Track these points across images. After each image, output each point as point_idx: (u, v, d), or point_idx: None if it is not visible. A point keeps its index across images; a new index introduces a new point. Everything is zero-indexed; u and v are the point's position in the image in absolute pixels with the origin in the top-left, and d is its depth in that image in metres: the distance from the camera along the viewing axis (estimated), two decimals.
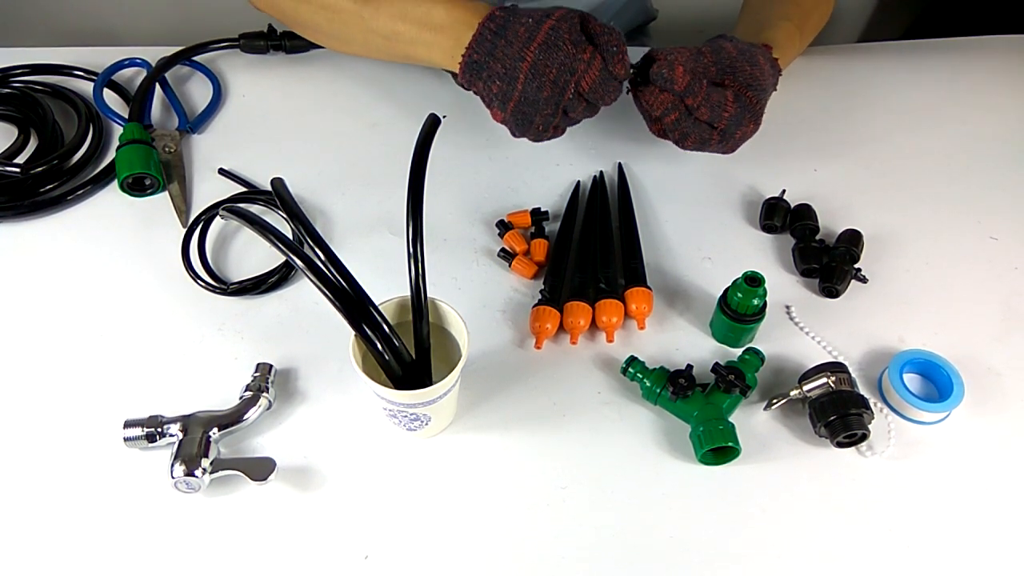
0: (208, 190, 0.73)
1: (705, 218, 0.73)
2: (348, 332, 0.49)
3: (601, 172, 0.75)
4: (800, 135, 0.80)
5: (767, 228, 0.71)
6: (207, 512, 0.53)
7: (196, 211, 0.71)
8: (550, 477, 0.55)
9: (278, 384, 0.59)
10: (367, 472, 0.55)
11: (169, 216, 0.70)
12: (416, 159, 0.51)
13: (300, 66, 0.85)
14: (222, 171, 0.74)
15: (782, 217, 0.71)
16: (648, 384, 0.58)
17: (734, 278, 0.60)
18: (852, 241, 0.68)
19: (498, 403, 0.59)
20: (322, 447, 0.56)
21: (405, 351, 0.50)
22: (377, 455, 0.56)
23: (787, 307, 0.66)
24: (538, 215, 0.70)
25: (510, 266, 0.67)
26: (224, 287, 0.65)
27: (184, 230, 0.69)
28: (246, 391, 0.57)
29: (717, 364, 0.58)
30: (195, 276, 0.65)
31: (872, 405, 0.57)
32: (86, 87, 0.80)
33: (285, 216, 0.50)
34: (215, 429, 0.54)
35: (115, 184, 0.72)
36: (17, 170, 0.70)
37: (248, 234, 0.69)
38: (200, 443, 0.53)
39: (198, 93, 0.82)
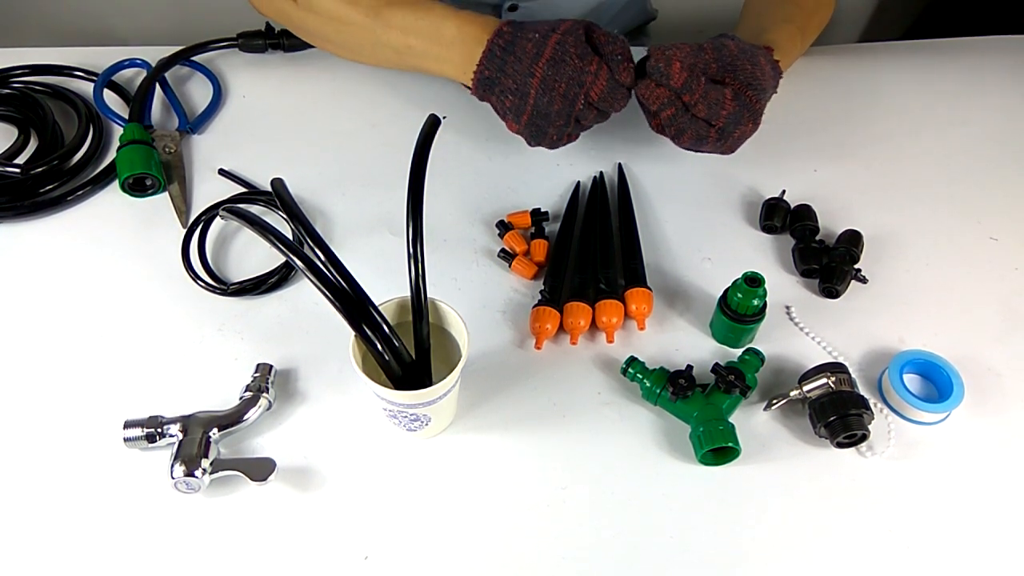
0: (208, 190, 0.73)
1: (705, 218, 0.73)
2: (348, 332, 0.49)
3: (601, 172, 0.75)
4: (800, 135, 0.80)
5: (767, 228, 0.71)
6: (207, 512, 0.53)
7: (196, 211, 0.71)
8: (550, 477, 0.55)
9: (278, 384, 0.59)
10: (367, 472, 0.55)
11: (169, 216, 0.70)
12: (416, 159, 0.51)
13: (300, 66, 0.85)
14: (222, 171, 0.74)
15: (782, 217, 0.71)
16: (648, 384, 0.58)
17: (734, 278, 0.60)
18: (852, 241, 0.68)
19: (498, 403, 0.59)
20: (322, 447, 0.56)
21: (405, 351, 0.50)
22: (377, 455, 0.56)
23: (787, 307, 0.66)
24: (538, 215, 0.70)
25: (510, 266, 0.67)
26: (224, 287, 0.65)
27: (184, 230, 0.69)
28: (246, 391, 0.57)
29: (717, 364, 0.58)
30: (195, 276, 0.65)
31: (872, 405, 0.57)
32: (86, 87, 0.80)
33: (285, 216, 0.51)
34: (215, 429, 0.55)
35: (115, 184, 0.72)
36: (17, 170, 0.70)
37: (248, 234, 0.69)
38: (200, 443, 0.53)
39: (198, 93, 0.82)
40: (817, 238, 0.70)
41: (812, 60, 0.89)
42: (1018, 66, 0.90)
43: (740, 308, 0.59)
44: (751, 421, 0.59)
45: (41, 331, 0.62)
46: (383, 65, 0.73)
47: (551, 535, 0.53)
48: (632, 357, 0.59)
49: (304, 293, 0.65)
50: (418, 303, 0.51)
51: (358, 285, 0.48)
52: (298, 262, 0.46)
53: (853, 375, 0.59)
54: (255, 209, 0.71)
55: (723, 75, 0.64)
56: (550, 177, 0.75)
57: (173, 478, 0.52)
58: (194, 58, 0.84)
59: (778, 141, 0.79)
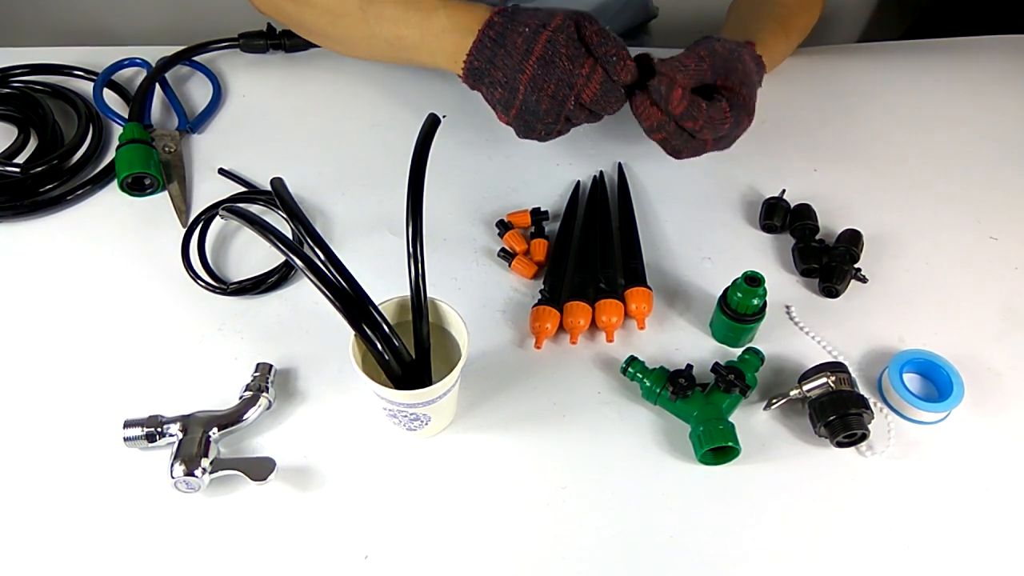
0: (208, 190, 0.73)
1: (705, 218, 0.73)
2: (348, 332, 0.49)
3: (601, 172, 0.75)
4: (800, 135, 0.80)
5: (767, 228, 0.71)
6: (207, 512, 0.53)
7: (196, 211, 0.71)
8: (550, 477, 0.55)
9: (278, 384, 0.59)
10: (367, 472, 0.55)
11: (169, 216, 0.70)
12: (416, 159, 0.51)
13: (300, 66, 0.85)
14: (222, 171, 0.74)
15: (782, 217, 0.71)
16: (648, 384, 0.58)
17: (734, 278, 0.60)
18: (852, 241, 0.68)
19: (498, 403, 0.59)
20: (322, 447, 0.56)
21: (405, 351, 0.50)
22: (377, 455, 0.56)
23: (787, 307, 0.66)
24: (538, 215, 0.70)
25: (510, 266, 0.67)
26: (224, 287, 0.65)
27: (184, 230, 0.69)
28: (246, 391, 0.57)
29: (717, 364, 0.58)
30: (195, 276, 0.65)
31: (872, 405, 0.57)
32: (86, 87, 0.80)
33: (285, 216, 0.50)
34: (215, 429, 0.54)
35: (115, 184, 0.72)
36: (17, 170, 0.70)
37: (248, 234, 0.69)
38: (200, 443, 0.53)
39: (198, 93, 0.82)
40: (817, 237, 0.70)
41: (812, 60, 0.89)
42: (1018, 66, 0.90)
43: (740, 307, 0.59)
44: (751, 420, 0.59)
45: (41, 331, 0.62)
46: (378, 58, 0.73)
47: (551, 535, 0.53)
48: (632, 356, 0.59)
49: (304, 293, 0.65)
50: (418, 303, 0.51)
51: (358, 285, 0.48)
52: (298, 261, 0.46)
53: (853, 374, 0.59)
54: (255, 208, 0.71)
55: (719, 78, 0.64)
56: (550, 177, 0.75)
57: (173, 477, 0.51)
58: (194, 58, 0.84)
59: (778, 141, 0.79)
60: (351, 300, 0.48)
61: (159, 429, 0.55)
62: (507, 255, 0.68)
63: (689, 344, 0.63)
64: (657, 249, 0.70)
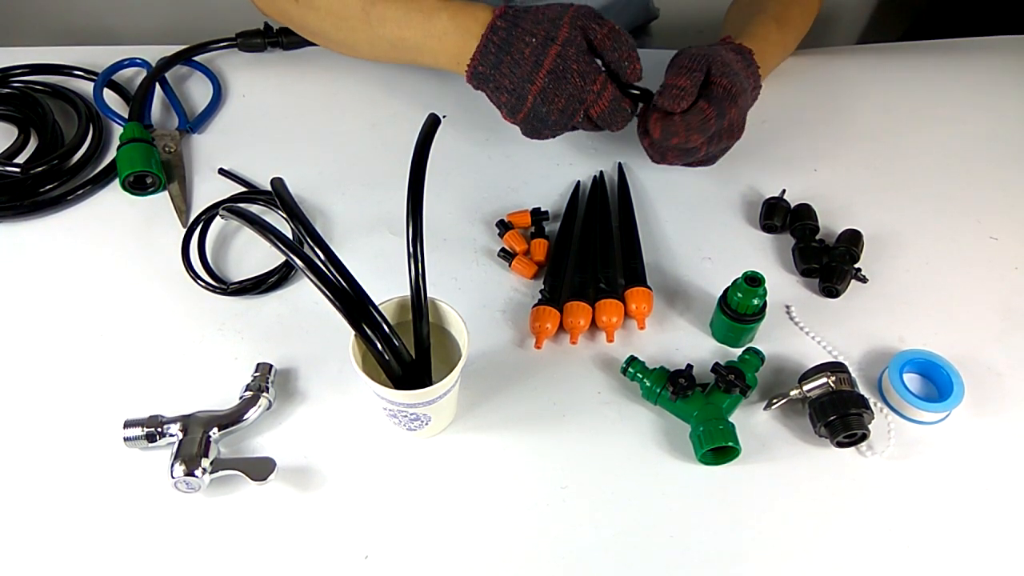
0: (208, 190, 0.73)
1: (705, 218, 0.73)
2: (348, 332, 0.49)
3: (601, 172, 0.75)
4: (800, 135, 0.80)
5: (767, 228, 0.71)
6: (207, 512, 0.53)
7: (196, 211, 0.71)
8: (550, 477, 0.55)
9: (278, 384, 0.59)
10: (367, 472, 0.55)
11: (169, 216, 0.70)
12: (416, 159, 0.51)
13: (300, 66, 0.85)
14: (222, 171, 0.74)
15: (782, 217, 0.71)
16: (648, 384, 0.58)
17: (734, 278, 0.60)
18: (852, 241, 0.68)
19: (498, 403, 0.59)
20: (322, 447, 0.56)
21: (405, 351, 0.50)
22: (377, 455, 0.56)
23: (787, 307, 0.66)
24: (538, 215, 0.70)
25: (510, 266, 0.67)
26: (224, 287, 0.65)
27: (184, 230, 0.69)
28: (246, 391, 0.57)
29: (717, 364, 0.58)
30: (195, 276, 0.65)
31: (872, 405, 0.57)
32: (86, 87, 0.80)
33: (285, 216, 0.50)
34: (215, 429, 0.54)
35: (115, 184, 0.72)
36: (17, 170, 0.70)
37: (248, 234, 0.69)
38: (200, 443, 0.53)
39: (198, 93, 0.82)
40: (817, 237, 0.70)
41: (812, 61, 0.89)
42: (1018, 66, 0.90)
43: (740, 307, 0.59)
44: (751, 420, 0.59)
45: (41, 331, 0.62)
46: (381, 60, 0.74)
47: (551, 535, 0.53)
48: (632, 356, 0.59)
49: (304, 292, 0.65)
50: (418, 302, 0.51)
51: (358, 284, 0.48)
52: (298, 261, 0.46)
53: (853, 374, 0.59)
54: (255, 208, 0.71)
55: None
56: (550, 177, 0.75)
57: (173, 477, 0.51)
58: (194, 58, 0.84)
59: (778, 141, 0.79)
60: (351, 300, 0.48)
61: (159, 429, 0.55)
62: (507, 255, 0.68)
63: (689, 344, 0.63)
64: (657, 249, 0.70)
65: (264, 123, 0.79)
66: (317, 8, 0.71)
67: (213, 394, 0.58)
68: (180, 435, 0.54)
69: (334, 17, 0.70)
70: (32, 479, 0.54)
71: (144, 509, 0.53)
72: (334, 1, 0.69)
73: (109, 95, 0.80)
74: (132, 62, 0.83)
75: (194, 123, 0.78)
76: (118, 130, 0.77)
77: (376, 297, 0.49)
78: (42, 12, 1.27)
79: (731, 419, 0.56)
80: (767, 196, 0.73)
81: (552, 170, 0.76)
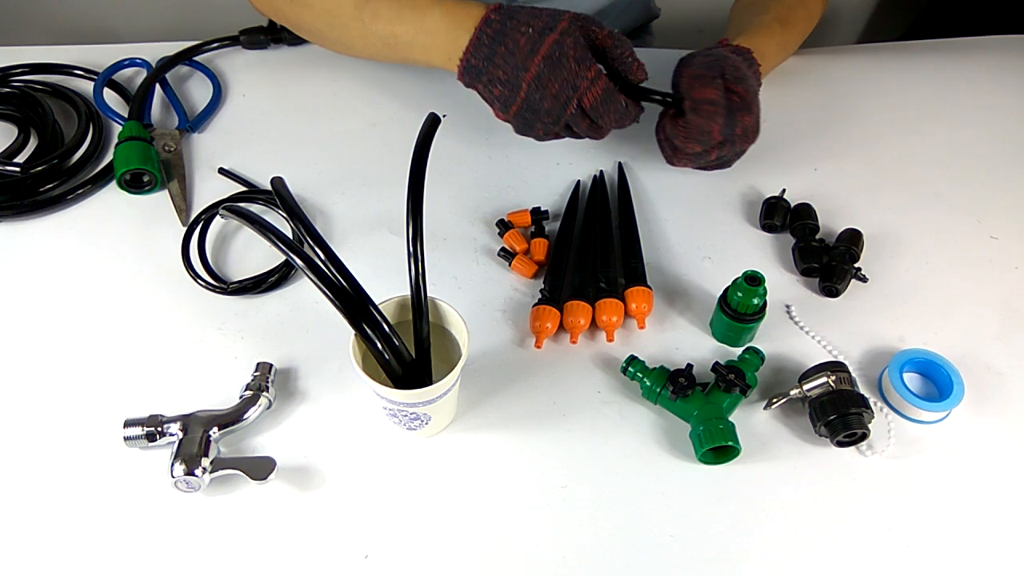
0: (208, 189, 0.73)
1: (705, 217, 0.73)
2: (348, 332, 0.49)
3: (601, 172, 0.75)
4: (800, 135, 0.80)
5: (767, 227, 0.71)
6: (207, 512, 0.53)
7: (196, 210, 0.71)
8: (550, 477, 0.55)
9: (278, 384, 0.59)
10: (367, 472, 0.55)
11: (169, 215, 0.70)
12: (416, 158, 0.51)
13: (300, 66, 0.85)
14: (222, 170, 0.74)
15: (782, 216, 0.71)
16: (648, 383, 0.58)
17: (734, 277, 0.60)
18: (852, 240, 0.68)
19: (498, 403, 0.59)
20: (322, 447, 0.56)
21: (405, 351, 0.50)
22: (377, 455, 0.56)
23: (787, 306, 0.66)
24: (538, 214, 0.70)
25: (510, 265, 0.67)
26: (224, 287, 0.65)
27: (184, 229, 0.69)
28: (246, 390, 0.57)
29: (717, 363, 0.58)
30: (195, 276, 0.65)
31: (872, 404, 0.57)
32: (86, 86, 0.80)
33: (285, 215, 0.50)
34: (215, 428, 0.54)
35: (115, 184, 0.71)
36: (17, 169, 0.70)
37: (248, 234, 0.69)
38: (200, 442, 0.53)
39: (198, 92, 0.82)
40: (817, 237, 0.70)
41: (812, 60, 0.89)
42: (1018, 66, 0.90)
43: (740, 307, 0.59)
44: (751, 420, 0.59)
45: (41, 331, 0.62)
46: (375, 57, 0.73)
47: (551, 535, 0.53)
48: (632, 356, 0.59)
49: (304, 292, 0.65)
50: (418, 302, 0.51)
51: (358, 284, 0.48)
52: (298, 261, 0.46)
53: (853, 374, 0.59)
54: (255, 208, 0.71)
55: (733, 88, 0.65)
56: (550, 176, 0.75)
57: (173, 477, 0.51)
58: (194, 57, 0.84)
59: (778, 140, 0.79)
60: (351, 300, 0.48)
61: (159, 429, 0.55)
62: (507, 254, 0.68)
63: (689, 343, 0.63)
64: (657, 248, 0.70)
65: (264, 122, 0.79)
66: (311, 6, 0.71)
67: (213, 394, 0.58)
68: (180, 434, 0.54)
69: (328, 15, 0.70)
70: (32, 479, 0.54)
71: (144, 509, 0.53)
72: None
73: (109, 95, 0.80)
74: (132, 62, 0.83)
75: (194, 122, 0.78)
76: (118, 129, 0.77)
77: (376, 297, 0.49)
78: (42, 12, 1.26)
79: (731, 418, 0.56)
80: (767, 195, 0.73)
81: (552, 170, 0.76)
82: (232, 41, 0.85)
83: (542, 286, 0.65)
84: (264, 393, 0.57)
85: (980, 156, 0.80)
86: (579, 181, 0.75)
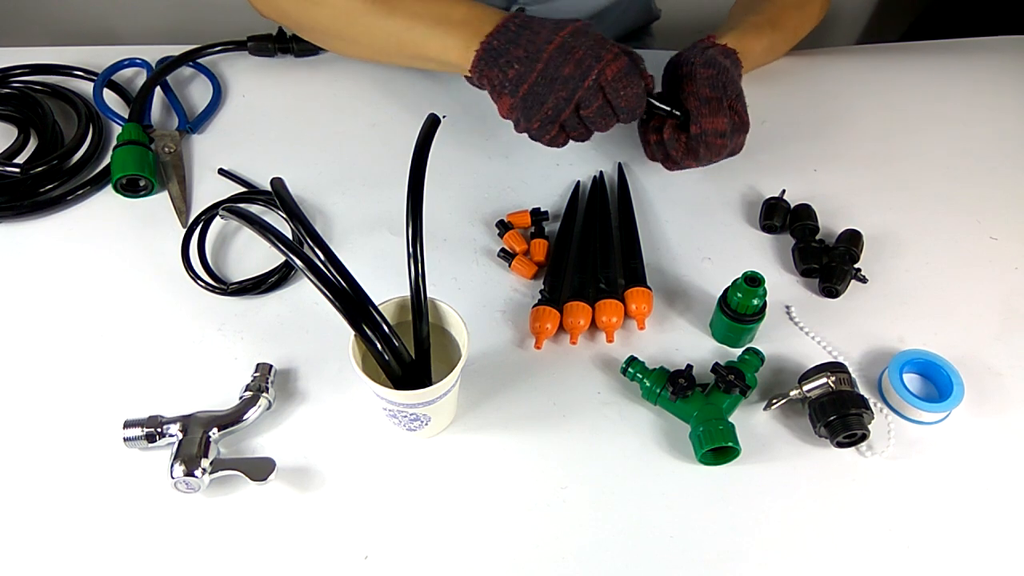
0: (208, 190, 0.73)
1: (705, 218, 0.73)
2: (348, 332, 0.49)
3: (601, 172, 0.75)
4: (800, 135, 0.80)
5: (767, 228, 0.71)
6: (207, 512, 0.53)
7: (196, 211, 0.71)
8: (550, 477, 0.55)
9: (278, 384, 0.59)
10: (367, 472, 0.55)
11: (169, 216, 0.70)
12: (416, 159, 0.51)
13: (300, 67, 0.85)
14: (222, 171, 0.74)
15: (782, 217, 0.71)
16: (648, 384, 0.58)
17: (734, 278, 0.60)
18: (852, 241, 0.68)
19: (498, 403, 0.59)
20: (322, 447, 0.56)
21: (405, 351, 0.50)
22: (377, 455, 0.56)
23: (787, 307, 0.66)
24: (538, 215, 0.70)
25: (510, 266, 0.67)
26: (224, 287, 0.65)
27: (184, 230, 0.69)
28: (246, 391, 0.57)
29: (717, 364, 0.58)
30: (195, 276, 0.65)
31: (872, 405, 0.57)
32: (86, 87, 0.80)
33: (285, 216, 0.50)
34: (215, 429, 0.54)
35: (111, 188, 0.71)
36: (17, 170, 0.70)
37: (248, 234, 0.69)
38: (200, 443, 0.53)
39: (198, 93, 0.82)
40: (817, 238, 0.70)
41: (812, 61, 0.89)
42: (1018, 66, 0.90)
43: (740, 308, 0.59)
44: (751, 421, 0.59)
45: (41, 331, 0.62)
46: (382, 57, 0.72)
47: (551, 535, 0.53)
48: (632, 357, 0.59)
49: (304, 293, 0.65)
50: (418, 303, 0.51)
51: (358, 285, 0.48)
52: (298, 262, 0.46)
53: (853, 375, 0.59)
54: (255, 209, 0.71)
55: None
56: (550, 177, 0.75)
57: (173, 478, 0.51)
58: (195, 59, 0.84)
59: (778, 141, 0.79)
60: (351, 300, 0.48)
61: (159, 429, 0.55)
62: (507, 255, 0.68)
63: (689, 344, 0.63)
64: (657, 249, 0.70)
65: (264, 123, 0.79)
66: (325, 5, 0.70)
67: (213, 394, 0.58)
68: (180, 435, 0.54)
69: (337, 11, 0.70)
70: (32, 479, 0.54)
71: (144, 509, 0.53)
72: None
73: (109, 95, 0.80)
74: (132, 62, 0.83)
75: (194, 123, 0.78)
76: (118, 130, 0.77)
77: (376, 297, 0.49)
78: (42, 12, 1.26)
79: (731, 419, 0.56)
80: (767, 196, 0.73)
81: (552, 170, 0.76)
82: (237, 46, 0.85)
83: (542, 287, 0.65)
84: (264, 394, 0.57)
85: (980, 156, 0.80)
86: (579, 182, 0.75)
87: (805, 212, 0.71)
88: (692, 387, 0.56)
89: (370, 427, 0.58)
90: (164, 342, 0.62)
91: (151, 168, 0.71)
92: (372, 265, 0.67)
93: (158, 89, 0.81)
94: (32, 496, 0.54)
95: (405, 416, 0.53)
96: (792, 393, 0.58)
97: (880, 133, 0.81)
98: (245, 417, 0.56)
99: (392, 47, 0.70)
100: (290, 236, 0.59)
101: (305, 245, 0.48)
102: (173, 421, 0.55)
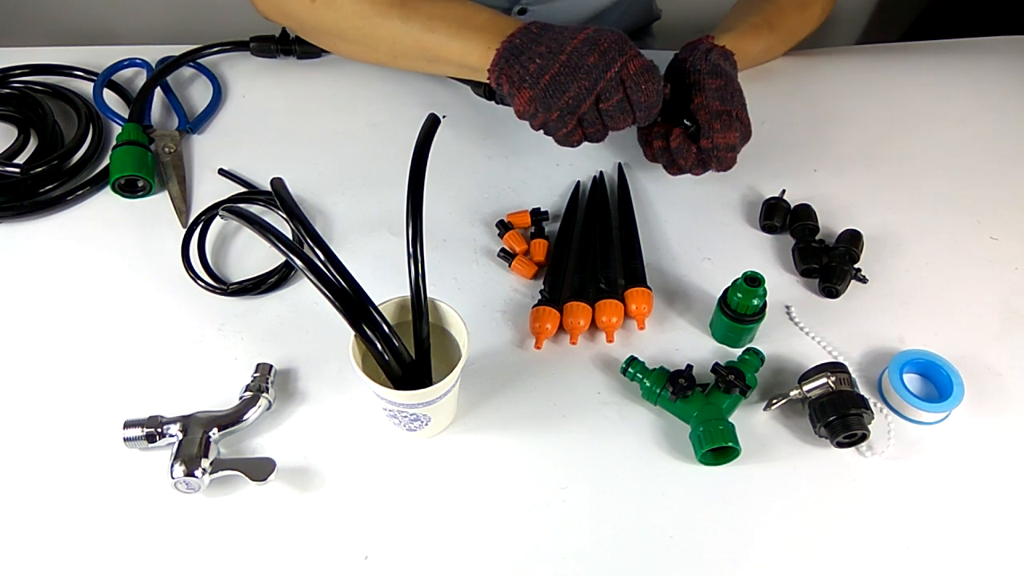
0: (208, 190, 0.73)
1: (705, 218, 0.73)
2: (348, 332, 0.49)
3: (601, 172, 0.75)
4: (800, 136, 0.80)
5: (767, 228, 0.71)
6: (207, 512, 0.53)
7: (196, 211, 0.71)
8: (550, 477, 0.55)
9: (278, 384, 0.59)
10: (367, 472, 0.55)
11: (169, 216, 0.70)
12: (416, 159, 0.51)
13: (300, 67, 0.85)
14: (222, 171, 0.74)
15: (782, 217, 0.71)
16: (648, 384, 0.58)
17: (734, 278, 0.60)
18: (852, 241, 0.68)
19: (498, 403, 0.59)
20: (322, 447, 0.56)
21: (405, 351, 0.50)
22: (377, 455, 0.56)
23: (787, 307, 0.66)
24: (538, 215, 0.70)
25: (510, 266, 0.67)
26: (224, 287, 0.65)
27: (184, 230, 0.69)
28: (246, 391, 0.57)
29: (717, 364, 0.58)
30: (195, 276, 0.65)
31: (872, 405, 0.57)
32: (86, 87, 0.80)
33: (285, 216, 0.50)
34: (215, 429, 0.54)
35: (109, 188, 0.71)
36: (17, 170, 0.70)
37: (248, 234, 0.69)
38: (200, 443, 0.53)
39: (198, 93, 0.82)
40: (817, 238, 0.70)
41: (812, 61, 0.89)
42: (1018, 66, 0.90)
43: (740, 308, 0.59)
44: (751, 421, 0.59)
45: (41, 331, 0.62)
46: (398, 61, 0.72)
47: (551, 535, 0.53)
48: (632, 357, 0.59)
49: (304, 293, 0.65)
50: (418, 303, 0.51)
51: (358, 285, 0.48)
52: (298, 262, 0.46)
53: (853, 375, 0.59)
54: (255, 209, 0.71)
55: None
56: (550, 177, 0.75)
57: (173, 478, 0.51)
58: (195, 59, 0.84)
59: (778, 141, 0.79)
60: (351, 300, 0.48)
61: (159, 429, 0.55)
62: (507, 255, 0.68)
63: (689, 344, 0.63)
64: (657, 249, 0.70)
65: (264, 123, 0.79)
66: (338, 8, 0.69)
67: (213, 394, 0.58)
68: (180, 435, 0.54)
69: (357, 17, 0.69)
70: (32, 479, 0.54)
71: (144, 509, 0.53)
72: (360, 4, 0.69)
73: (109, 95, 0.80)
74: (132, 62, 0.83)
75: (194, 123, 0.78)
76: (118, 130, 0.77)
77: (376, 297, 0.49)
78: (42, 12, 1.26)
79: (731, 419, 0.56)
80: (767, 196, 0.73)
81: (552, 170, 0.76)
82: (238, 46, 0.84)
83: (542, 287, 0.65)
84: (264, 394, 0.57)
85: (980, 156, 0.80)
86: (579, 182, 0.75)
87: (805, 212, 0.71)
88: (692, 387, 0.56)
89: (370, 427, 0.58)
90: (164, 342, 0.62)
91: (149, 169, 0.71)
92: (372, 265, 0.67)
93: (158, 89, 0.81)
94: (32, 496, 0.54)
95: (405, 416, 0.53)
96: (792, 393, 0.58)
97: (880, 133, 0.82)
98: (245, 417, 0.56)
99: (410, 51, 0.69)
100: (290, 236, 0.59)
101: (305, 245, 0.48)
102: (173, 421, 0.55)
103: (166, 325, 0.63)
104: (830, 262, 0.66)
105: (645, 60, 0.61)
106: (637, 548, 0.52)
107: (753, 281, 0.59)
